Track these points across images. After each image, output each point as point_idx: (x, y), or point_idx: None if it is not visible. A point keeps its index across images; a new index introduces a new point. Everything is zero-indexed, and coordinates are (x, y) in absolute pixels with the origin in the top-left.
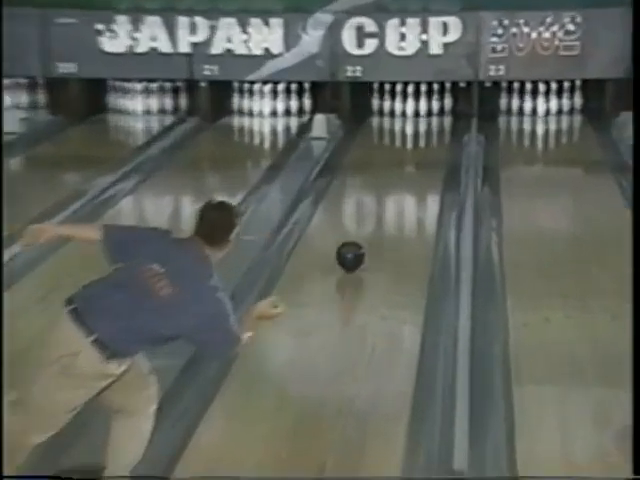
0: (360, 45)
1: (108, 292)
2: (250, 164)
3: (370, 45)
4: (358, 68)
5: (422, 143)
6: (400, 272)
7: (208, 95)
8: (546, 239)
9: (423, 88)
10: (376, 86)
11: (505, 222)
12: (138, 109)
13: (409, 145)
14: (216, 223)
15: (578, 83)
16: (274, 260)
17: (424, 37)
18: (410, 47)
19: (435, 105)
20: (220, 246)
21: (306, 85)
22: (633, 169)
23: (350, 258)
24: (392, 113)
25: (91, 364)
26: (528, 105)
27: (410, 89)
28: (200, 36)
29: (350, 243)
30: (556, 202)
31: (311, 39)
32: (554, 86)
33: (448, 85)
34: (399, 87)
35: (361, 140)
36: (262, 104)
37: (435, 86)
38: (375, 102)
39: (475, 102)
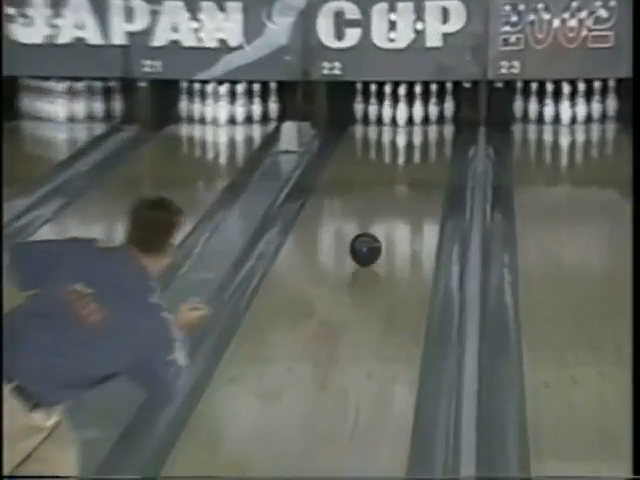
0: (339, 36)
1: (24, 326)
2: (202, 184)
3: (352, 36)
4: (337, 65)
5: (417, 158)
6: (390, 318)
7: (149, 98)
8: (572, 278)
9: (418, 89)
10: (359, 87)
11: (521, 256)
12: (60, 115)
13: (401, 160)
14: (152, 224)
15: (612, 83)
16: (233, 303)
17: (419, 26)
18: (402, 38)
19: (433, 110)
20: (159, 253)
21: (272, 85)
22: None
23: (365, 251)
24: (379, 120)
25: (13, 418)
26: (549, 110)
27: (402, 90)
28: (139, 24)
29: (364, 235)
30: (584, 232)
31: (278, 28)
32: (582, 87)
33: (449, 86)
34: (388, 88)
35: (341, 154)
36: (217, 109)
37: (433, 87)
38: (358, 107)
39: (483, 107)
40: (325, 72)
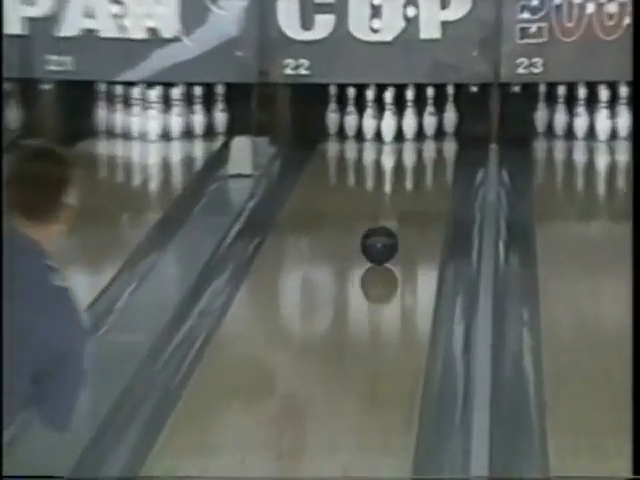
0: (307, 25)
1: None
2: (127, 218)
3: (323, 25)
4: (304, 62)
5: (408, 184)
6: (374, 394)
7: (56, 104)
8: (611, 341)
9: (409, 95)
10: (334, 91)
11: (544, 313)
12: None
13: (387, 187)
14: (34, 181)
15: None
16: (168, 375)
17: (411, 12)
18: (388, 28)
19: (429, 122)
20: (49, 218)
21: (219, 89)
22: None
23: (379, 248)
24: (359, 135)
25: None
26: (582, 122)
27: (388, 96)
28: (41, 8)
29: (377, 229)
30: (627, 282)
31: (227, 14)
32: (624, 91)
33: (450, 90)
34: (371, 93)
35: (309, 179)
36: (146, 120)
37: (429, 91)
38: (332, 117)
39: (494, 118)
40: (289, 72)
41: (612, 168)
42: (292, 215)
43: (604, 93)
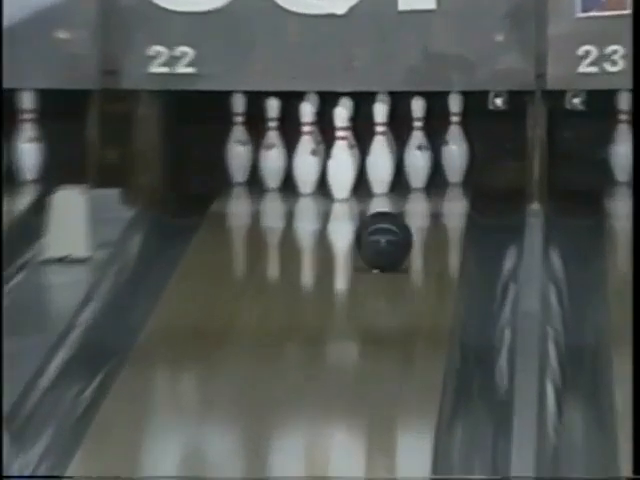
0: None
1: None
2: None
3: None
4: (185, 52)
5: (379, 278)
6: None
7: None
8: None
9: (380, 113)
10: (241, 105)
11: None
12: None
13: (339, 283)
14: None
15: None
16: None
17: None
18: None
19: (417, 162)
20: None
21: (26, 102)
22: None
23: (383, 245)
24: (288, 185)
25: None
26: None
27: (342, 115)
28: None
29: (379, 216)
30: None
31: None
32: None
33: (455, 104)
34: (309, 109)
35: (196, 266)
36: None
37: (416, 107)
38: (238, 152)
39: (537, 154)
40: (156, 70)
41: None
42: (163, 333)
43: None
